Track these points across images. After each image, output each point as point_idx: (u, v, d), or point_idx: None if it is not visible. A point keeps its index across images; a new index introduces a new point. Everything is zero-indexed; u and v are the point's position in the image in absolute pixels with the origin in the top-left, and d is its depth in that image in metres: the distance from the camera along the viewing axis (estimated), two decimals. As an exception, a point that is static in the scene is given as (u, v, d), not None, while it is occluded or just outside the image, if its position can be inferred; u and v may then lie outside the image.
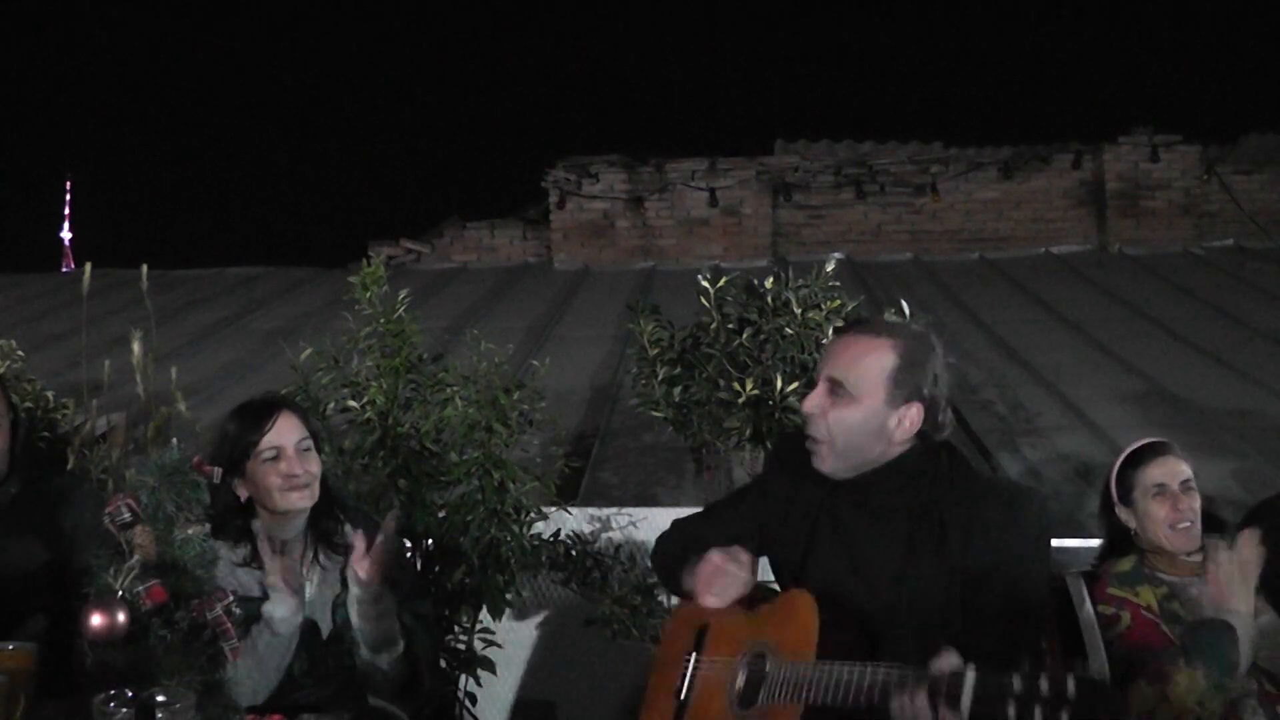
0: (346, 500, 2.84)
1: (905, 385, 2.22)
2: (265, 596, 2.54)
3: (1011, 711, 1.74)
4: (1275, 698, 2.56)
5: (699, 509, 2.69)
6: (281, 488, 2.56)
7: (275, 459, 2.57)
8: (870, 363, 2.24)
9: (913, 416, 2.23)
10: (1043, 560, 2.29)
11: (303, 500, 2.59)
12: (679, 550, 2.46)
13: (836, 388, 2.24)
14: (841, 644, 2.11)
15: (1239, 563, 2.58)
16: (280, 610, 2.52)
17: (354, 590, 2.55)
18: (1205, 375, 6.17)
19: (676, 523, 2.62)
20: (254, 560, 2.58)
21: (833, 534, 2.31)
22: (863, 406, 2.22)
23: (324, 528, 2.65)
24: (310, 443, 2.64)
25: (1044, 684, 1.73)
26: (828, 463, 2.27)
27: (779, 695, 2.10)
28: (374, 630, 2.57)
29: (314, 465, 2.61)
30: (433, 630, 2.82)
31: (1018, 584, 2.19)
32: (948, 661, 1.87)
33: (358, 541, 2.54)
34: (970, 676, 1.82)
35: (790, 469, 2.40)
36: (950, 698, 1.82)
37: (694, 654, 2.33)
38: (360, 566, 2.52)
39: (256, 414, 2.62)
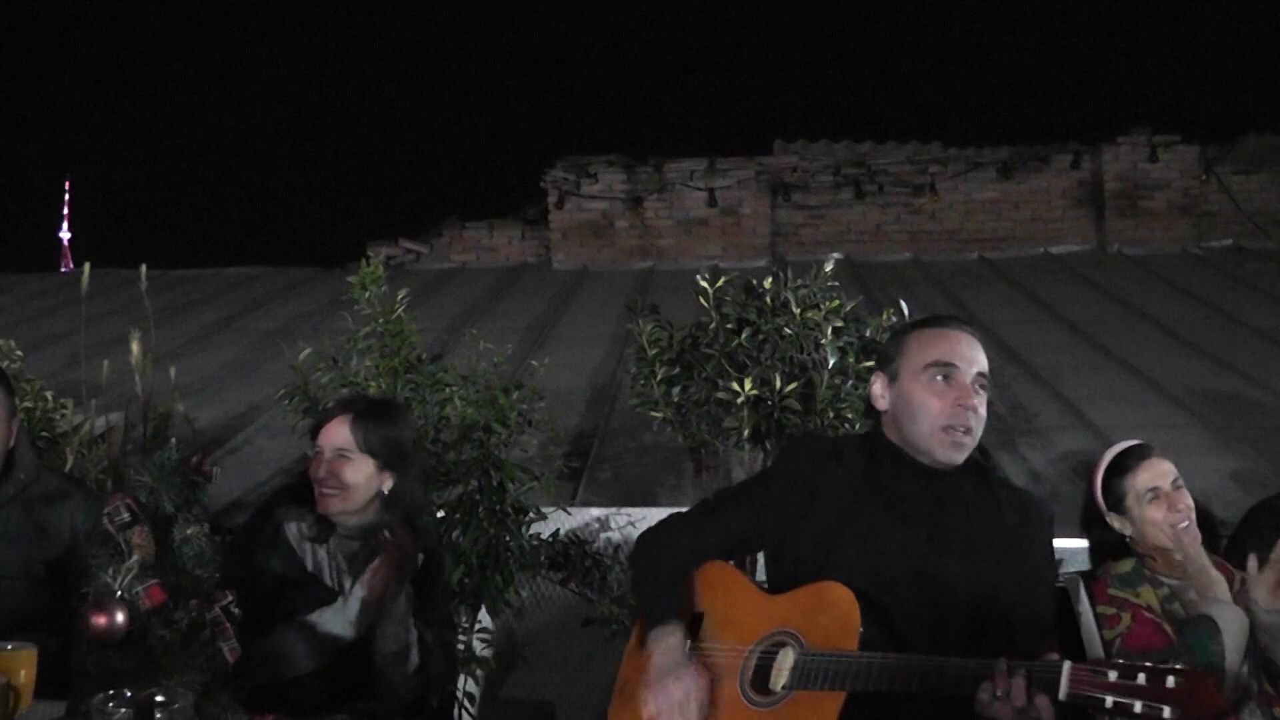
0: (415, 520, 2.72)
1: None
2: (317, 578, 2.62)
3: (1109, 701, 1.74)
4: (1273, 699, 2.56)
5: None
6: (317, 485, 2.65)
7: (317, 458, 2.67)
8: (985, 354, 2.41)
9: None
10: (1052, 572, 2.35)
11: (330, 505, 2.64)
12: (672, 562, 2.38)
13: (984, 382, 2.39)
14: (871, 639, 2.08)
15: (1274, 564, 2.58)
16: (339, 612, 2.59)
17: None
18: (1205, 375, 6.17)
19: (666, 524, 2.49)
20: (319, 537, 2.64)
21: (858, 534, 2.27)
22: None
23: (378, 538, 2.64)
24: (351, 453, 2.64)
25: (1142, 677, 1.73)
26: (965, 453, 2.35)
27: (816, 681, 2.07)
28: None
29: (348, 474, 2.63)
30: (451, 656, 2.84)
31: (1032, 593, 2.23)
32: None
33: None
34: (1067, 665, 1.83)
35: (812, 466, 2.37)
36: (1046, 684, 1.83)
37: (689, 640, 2.30)
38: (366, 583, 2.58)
39: (327, 411, 2.75)
